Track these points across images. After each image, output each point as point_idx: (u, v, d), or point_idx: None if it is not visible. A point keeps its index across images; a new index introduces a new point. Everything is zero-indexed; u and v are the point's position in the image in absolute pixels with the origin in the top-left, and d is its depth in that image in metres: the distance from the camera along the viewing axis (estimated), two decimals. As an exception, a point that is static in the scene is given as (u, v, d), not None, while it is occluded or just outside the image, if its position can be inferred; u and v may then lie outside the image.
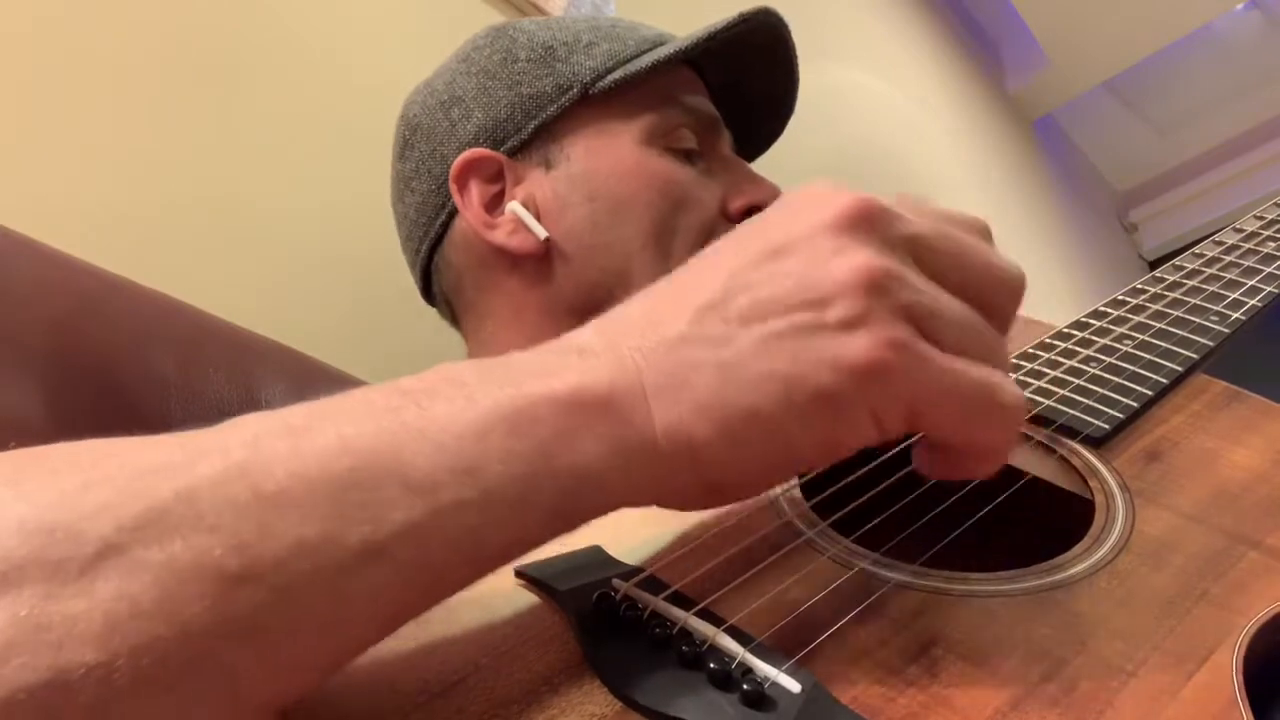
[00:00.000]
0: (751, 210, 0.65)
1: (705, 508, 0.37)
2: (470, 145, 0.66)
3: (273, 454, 0.26)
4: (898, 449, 0.44)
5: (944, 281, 0.32)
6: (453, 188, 0.66)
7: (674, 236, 0.63)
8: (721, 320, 0.31)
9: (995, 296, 0.34)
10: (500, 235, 0.65)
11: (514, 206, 0.65)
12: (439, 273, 0.70)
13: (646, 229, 0.63)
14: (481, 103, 0.67)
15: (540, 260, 0.64)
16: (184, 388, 0.67)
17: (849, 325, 0.30)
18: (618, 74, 0.64)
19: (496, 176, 0.66)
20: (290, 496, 0.26)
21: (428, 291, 0.73)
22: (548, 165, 0.65)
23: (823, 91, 1.74)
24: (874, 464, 0.44)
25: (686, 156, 0.66)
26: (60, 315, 0.63)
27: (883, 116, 1.93)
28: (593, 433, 0.29)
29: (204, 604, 0.24)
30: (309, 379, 0.75)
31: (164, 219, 0.83)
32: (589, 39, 0.67)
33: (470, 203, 0.65)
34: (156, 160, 0.84)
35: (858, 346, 0.29)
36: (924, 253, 0.32)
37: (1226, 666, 0.32)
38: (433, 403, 0.29)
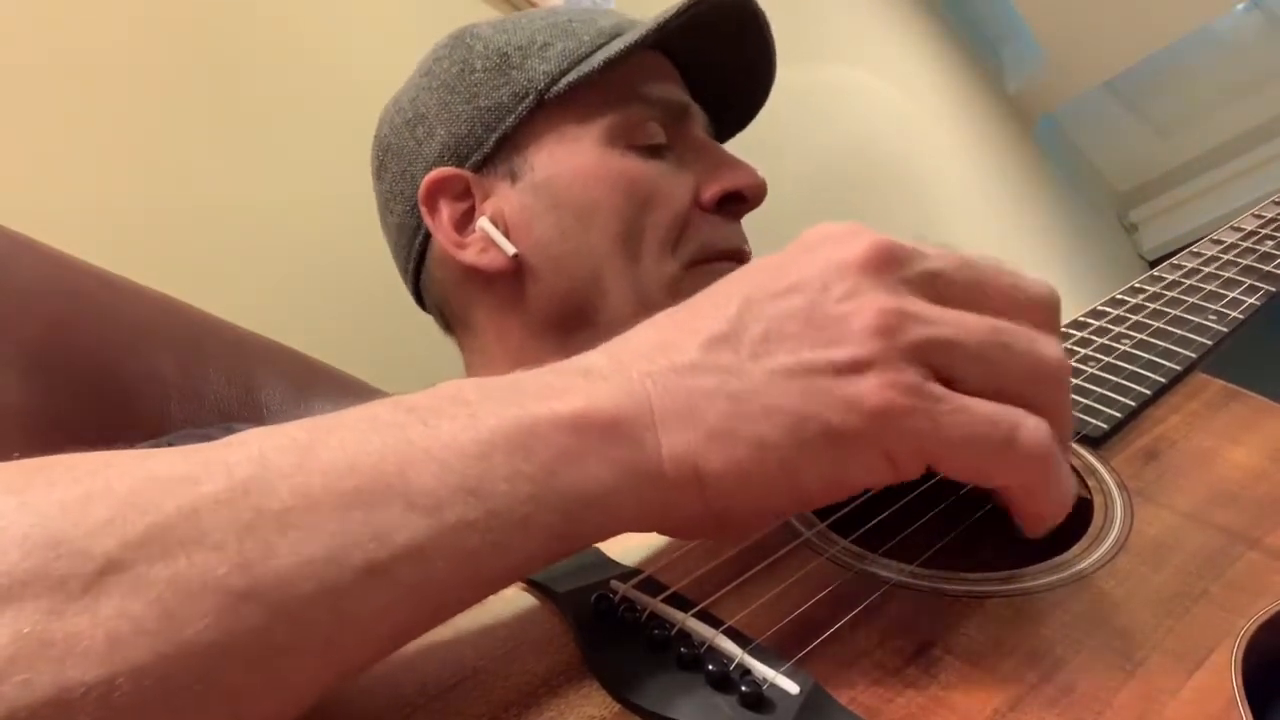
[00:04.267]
0: (726, 198, 0.64)
1: (711, 538, 0.37)
2: (436, 164, 0.65)
3: (277, 471, 0.26)
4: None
5: (964, 308, 0.32)
6: (422, 210, 0.65)
7: (642, 237, 0.62)
8: (732, 351, 0.31)
9: (1025, 312, 0.33)
10: (471, 255, 0.64)
11: (483, 223, 0.64)
12: (426, 288, 0.70)
13: (614, 233, 0.61)
14: (443, 119, 0.66)
15: (513, 276, 0.63)
16: (184, 388, 0.67)
17: (857, 367, 0.30)
18: (571, 76, 0.63)
19: (464, 194, 0.65)
20: (295, 515, 0.25)
21: (422, 303, 0.73)
22: (513, 177, 0.64)
23: (823, 91, 1.74)
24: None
25: (654, 151, 0.64)
26: (60, 315, 0.63)
27: (883, 116, 1.93)
28: (599, 455, 0.29)
29: (207, 622, 0.24)
30: (309, 379, 0.76)
31: (164, 219, 0.83)
32: (544, 39, 0.65)
33: (440, 224, 0.65)
34: (157, 160, 0.84)
35: (865, 389, 0.29)
36: (943, 286, 0.32)
37: (1225, 666, 0.32)
38: (438, 421, 0.29)
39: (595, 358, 0.33)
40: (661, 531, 0.32)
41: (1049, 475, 0.31)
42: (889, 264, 0.32)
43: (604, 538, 0.31)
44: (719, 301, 0.33)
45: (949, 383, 0.30)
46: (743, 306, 0.32)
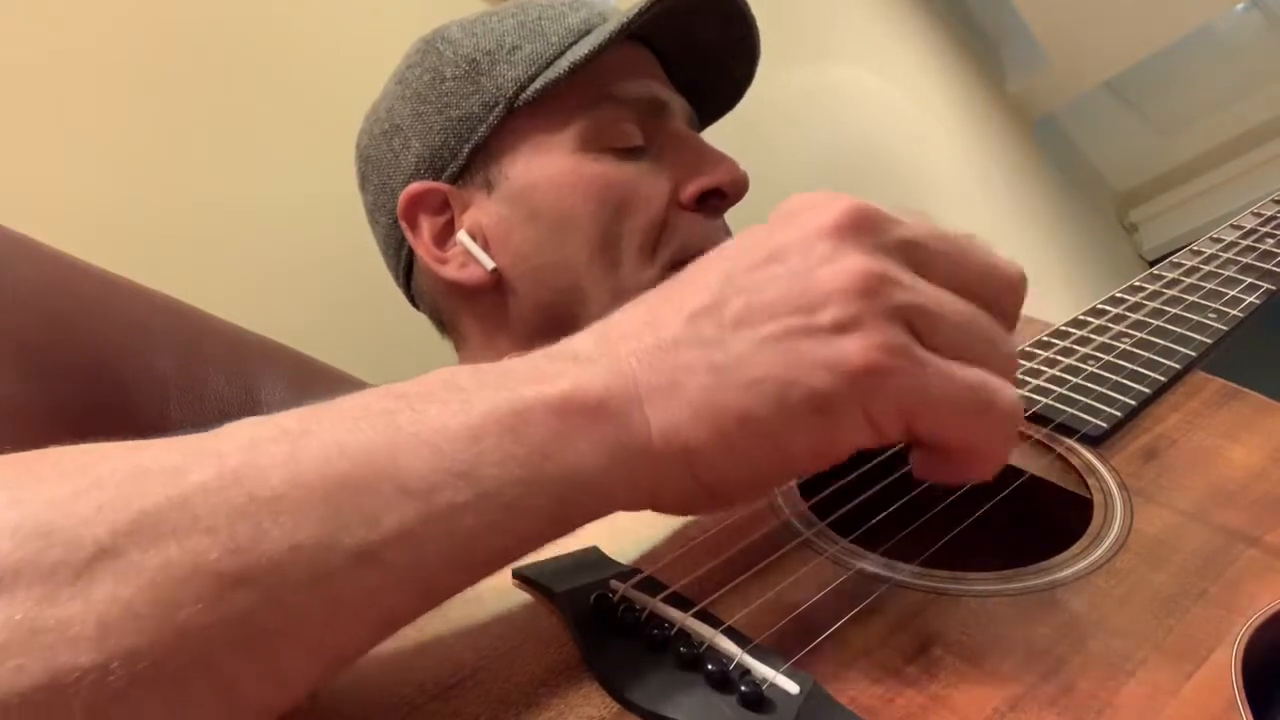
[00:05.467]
0: (706, 195, 0.63)
1: (703, 512, 0.37)
2: (413, 177, 0.65)
3: (268, 458, 0.26)
4: (895, 449, 0.44)
5: (941, 282, 0.32)
6: (402, 225, 0.65)
7: (620, 243, 0.61)
8: (715, 324, 0.31)
9: (996, 294, 0.33)
10: (451, 270, 0.64)
11: (461, 237, 0.63)
12: (417, 295, 0.71)
13: (591, 242, 0.61)
14: (418, 130, 0.65)
15: (494, 289, 0.63)
16: (184, 388, 0.67)
17: (841, 329, 0.30)
18: (539, 82, 0.62)
19: (443, 207, 0.64)
20: (286, 500, 0.26)
21: (417, 308, 0.73)
22: (489, 187, 0.63)
23: (823, 91, 1.74)
24: (872, 464, 0.44)
25: (631, 152, 0.63)
26: (60, 315, 0.63)
27: (883, 116, 1.93)
28: (588, 436, 0.29)
29: (199, 607, 0.24)
30: (309, 379, 0.76)
31: (164, 219, 0.83)
32: (512, 42, 0.64)
33: (420, 239, 0.64)
34: (156, 160, 0.84)
35: (849, 349, 0.29)
36: (920, 254, 0.32)
37: (1225, 666, 0.32)
38: (428, 406, 0.29)
39: (583, 340, 0.33)
40: (654, 509, 0.32)
41: (1012, 441, 0.32)
42: (866, 228, 0.32)
43: (596, 517, 0.31)
44: (701, 277, 0.33)
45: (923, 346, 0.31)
46: (724, 279, 0.32)
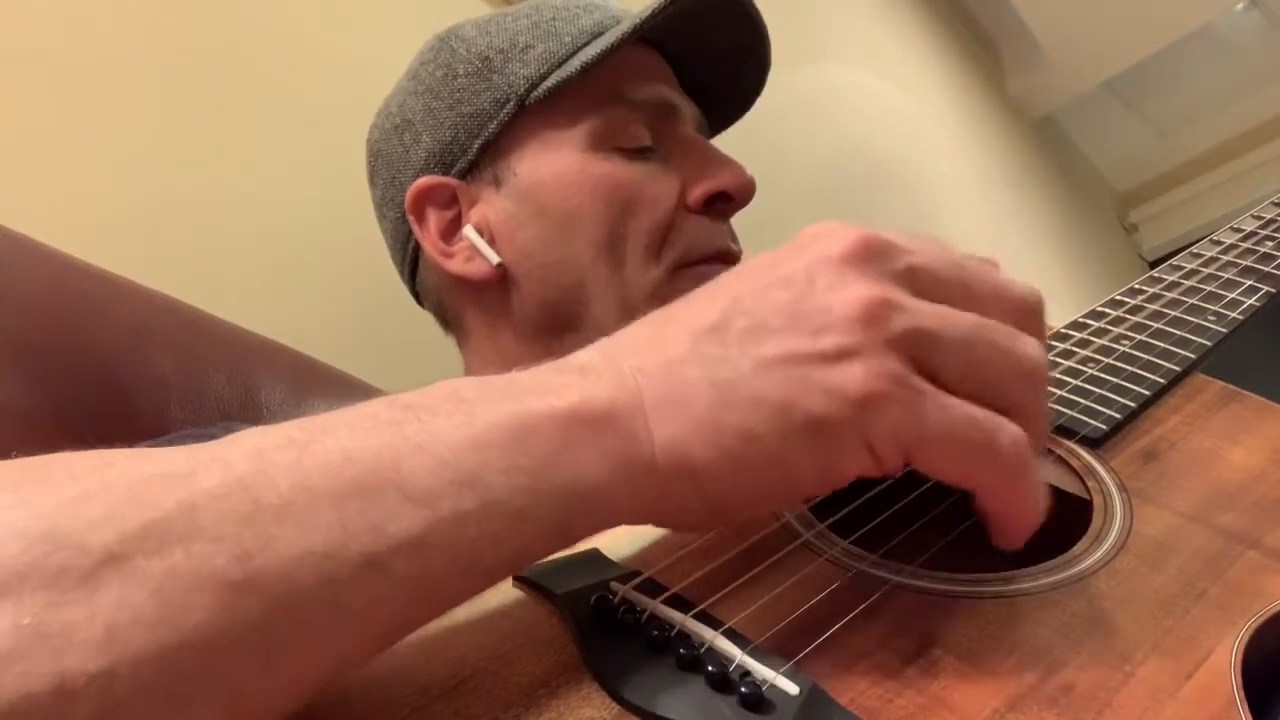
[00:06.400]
0: (713, 199, 0.63)
1: (709, 529, 0.37)
2: (422, 171, 0.65)
3: (275, 466, 0.27)
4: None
5: (951, 306, 0.32)
6: (410, 219, 0.65)
7: (625, 243, 0.61)
8: (719, 343, 0.31)
9: (1010, 316, 0.33)
10: (457, 264, 0.64)
11: (468, 231, 0.64)
12: (422, 291, 0.71)
13: (597, 241, 0.61)
14: (429, 125, 0.65)
15: (499, 284, 0.63)
16: (184, 388, 0.67)
17: (842, 355, 0.30)
18: (550, 81, 0.62)
19: (450, 201, 0.65)
20: (292, 508, 0.26)
21: (421, 302, 0.73)
22: (497, 183, 0.64)
23: (823, 92, 1.74)
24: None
25: (640, 153, 0.63)
26: (60, 315, 0.63)
27: (883, 117, 1.93)
28: (593, 448, 0.30)
29: (205, 613, 0.24)
30: (309, 379, 0.76)
31: (164, 219, 0.83)
32: (525, 41, 0.64)
33: (427, 233, 0.65)
34: (156, 160, 0.84)
35: (849, 375, 0.30)
36: (927, 280, 0.32)
37: (1225, 666, 0.32)
38: (434, 417, 0.29)
39: (590, 354, 0.33)
40: (657, 524, 0.33)
41: (1023, 481, 0.32)
42: (873, 256, 0.32)
43: (600, 530, 0.31)
44: (709, 298, 0.33)
45: (930, 376, 0.31)
46: (731, 301, 0.32)
